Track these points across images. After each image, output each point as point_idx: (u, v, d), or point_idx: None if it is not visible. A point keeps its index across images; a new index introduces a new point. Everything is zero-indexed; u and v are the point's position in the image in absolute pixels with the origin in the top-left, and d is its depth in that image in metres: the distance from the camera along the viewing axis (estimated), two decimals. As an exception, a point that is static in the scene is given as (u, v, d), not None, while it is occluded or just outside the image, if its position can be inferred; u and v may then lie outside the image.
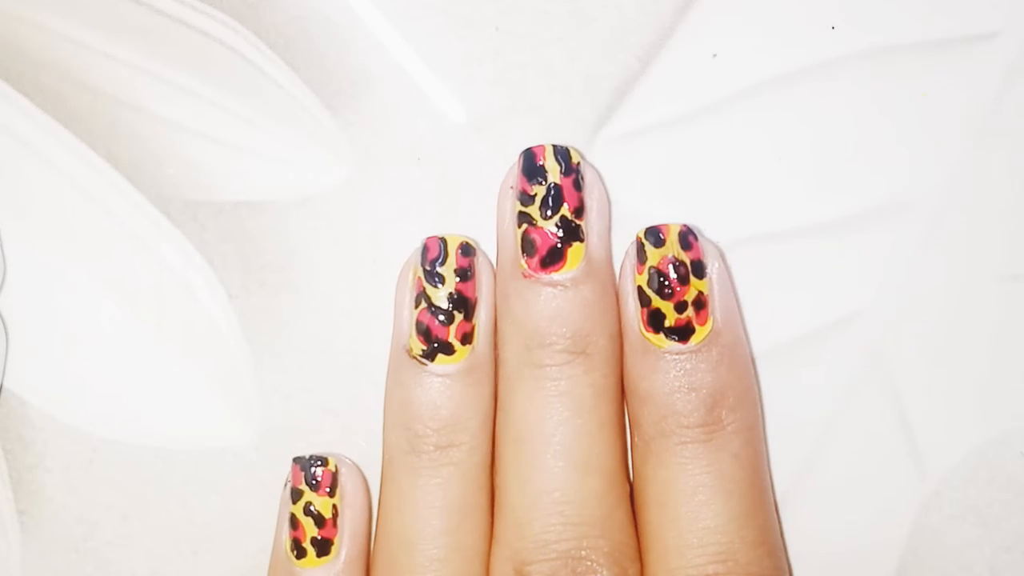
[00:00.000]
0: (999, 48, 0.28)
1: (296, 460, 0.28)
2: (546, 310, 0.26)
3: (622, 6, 0.28)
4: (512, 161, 0.27)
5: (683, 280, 0.26)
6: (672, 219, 0.27)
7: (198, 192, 0.30)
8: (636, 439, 0.27)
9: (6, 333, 0.30)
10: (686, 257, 0.26)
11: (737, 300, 0.28)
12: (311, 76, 0.29)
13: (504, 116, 0.29)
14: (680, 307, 0.26)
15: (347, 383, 0.29)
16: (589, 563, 0.25)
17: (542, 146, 0.27)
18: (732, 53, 0.28)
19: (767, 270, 0.28)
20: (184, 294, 0.30)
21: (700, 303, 0.26)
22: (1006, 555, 0.28)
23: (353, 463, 0.28)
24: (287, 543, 0.28)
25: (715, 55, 0.28)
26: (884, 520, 0.28)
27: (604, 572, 0.25)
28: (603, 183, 0.28)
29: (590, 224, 0.27)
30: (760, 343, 0.28)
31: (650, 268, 0.26)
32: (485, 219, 0.28)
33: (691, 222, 0.27)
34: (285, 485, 0.28)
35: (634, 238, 0.27)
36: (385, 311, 0.29)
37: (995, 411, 0.28)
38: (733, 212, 0.28)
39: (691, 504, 0.26)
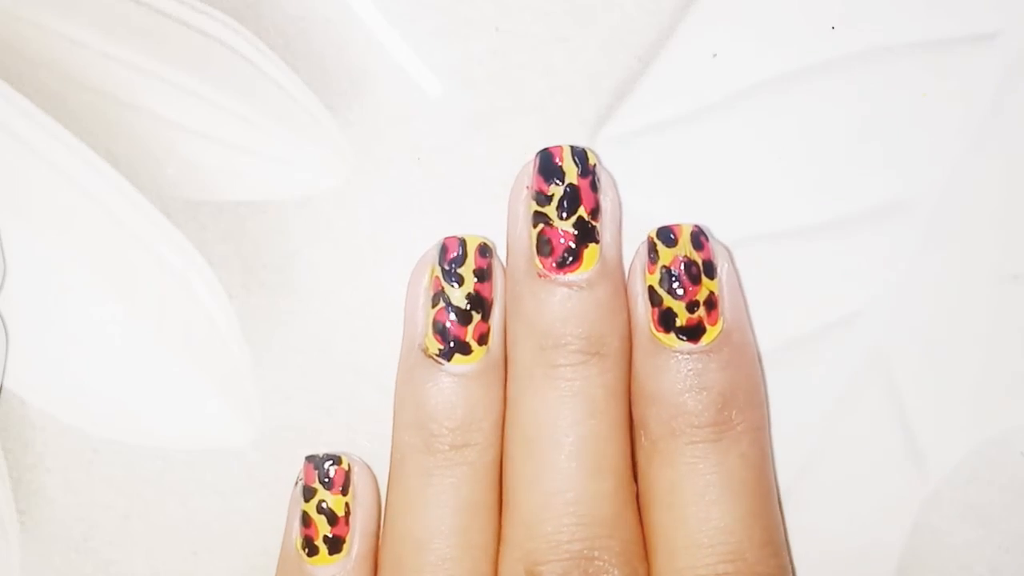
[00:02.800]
0: (999, 48, 0.28)
1: (309, 458, 0.28)
2: (561, 310, 0.26)
3: (622, 6, 0.28)
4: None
5: (695, 280, 0.26)
6: (672, 219, 0.27)
7: (198, 192, 0.30)
8: (642, 439, 0.27)
9: (6, 333, 0.30)
10: (698, 257, 0.26)
11: (745, 301, 0.28)
12: (311, 76, 0.29)
13: (504, 116, 0.29)
14: (691, 307, 0.26)
15: (347, 383, 0.29)
16: (601, 563, 0.25)
17: (559, 147, 0.27)
18: (732, 53, 0.28)
19: (767, 270, 0.28)
20: (184, 294, 0.30)
21: (711, 303, 0.26)
22: (1006, 555, 0.28)
23: (364, 462, 0.28)
24: (298, 541, 0.28)
25: (715, 55, 0.28)
26: (884, 520, 0.28)
27: (616, 572, 0.26)
28: (616, 185, 0.28)
29: (604, 226, 0.27)
30: (760, 343, 0.28)
31: (662, 267, 0.26)
32: (485, 219, 0.28)
33: (692, 222, 0.27)
34: (296, 483, 0.28)
35: (645, 238, 0.27)
36: (385, 311, 0.29)
37: (995, 411, 0.28)
38: (733, 212, 0.28)
39: (700, 504, 0.26)
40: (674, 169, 0.29)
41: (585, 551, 0.25)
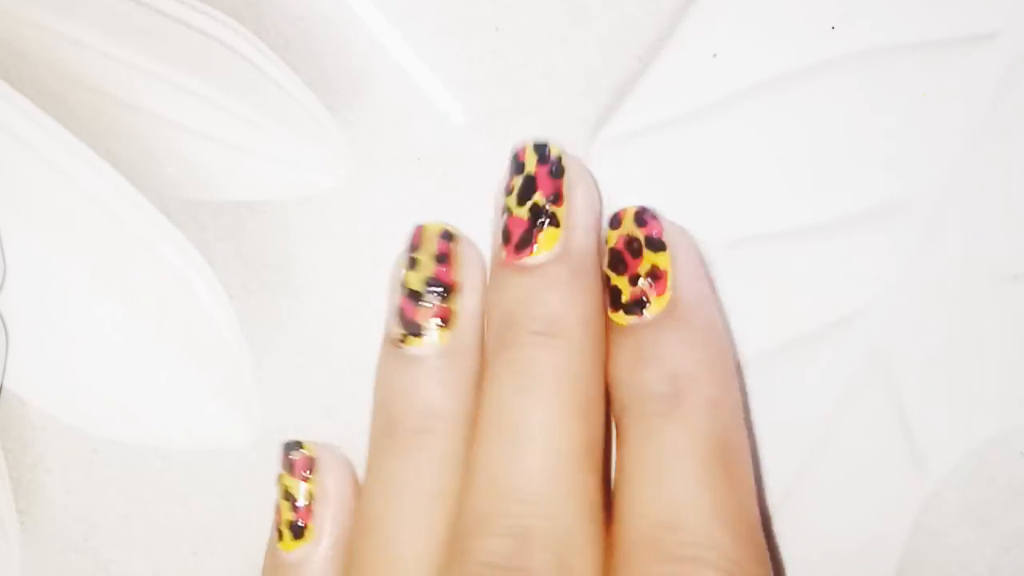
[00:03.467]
0: (999, 48, 0.28)
1: (283, 444, 0.28)
2: (516, 292, 0.26)
3: (622, 5, 0.28)
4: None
5: (636, 254, 0.26)
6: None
7: (198, 192, 0.30)
8: (612, 420, 0.27)
9: (6, 333, 0.30)
10: (639, 233, 0.27)
11: (709, 279, 0.27)
12: (311, 76, 0.29)
13: (504, 116, 0.29)
14: (633, 280, 0.26)
15: (347, 383, 0.29)
16: (525, 541, 0.24)
17: (526, 143, 0.27)
18: (732, 53, 0.28)
19: (767, 270, 0.28)
20: (184, 294, 0.30)
21: (655, 275, 0.26)
22: (1006, 555, 0.28)
23: (337, 448, 0.28)
24: (273, 526, 0.28)
25: (715, 55, 0.28)
26: (884, 520, 0.28)
27: (540, 555, 0.24)
28: (593, 179, 0.28)
29: (574, 215, 0.27)
30: (760, 343, 0.28)
31: (609, 250, 0.27)
32: (485, 219, 0.28)
33: (690, 222, 0.27)
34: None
35: None
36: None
37: (995, 411, 0.28)
38: (733, 212, 0.28)
39: (646, 477, 0.25)
40: (674, 169, 0.29)
41: (513, 528, 0.24)
